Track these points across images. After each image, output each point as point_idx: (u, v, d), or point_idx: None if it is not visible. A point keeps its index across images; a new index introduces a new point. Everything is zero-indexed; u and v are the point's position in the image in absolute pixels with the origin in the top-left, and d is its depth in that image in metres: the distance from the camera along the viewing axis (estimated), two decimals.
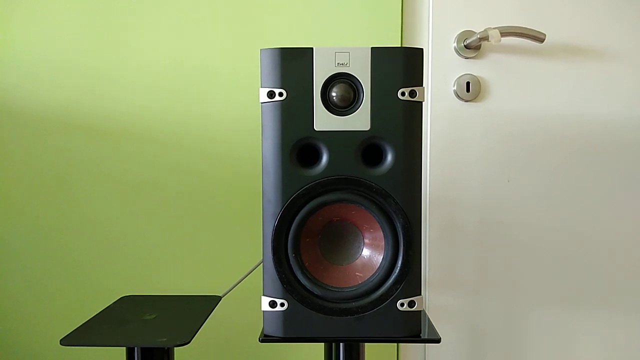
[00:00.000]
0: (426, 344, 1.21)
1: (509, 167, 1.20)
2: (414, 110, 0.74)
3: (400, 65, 0.73)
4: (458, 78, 1.18)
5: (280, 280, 0.75)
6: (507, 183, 1.20)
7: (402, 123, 0.74)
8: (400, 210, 0.74)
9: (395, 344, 1.21)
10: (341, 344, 0.82)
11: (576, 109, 1.20)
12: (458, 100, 1.19)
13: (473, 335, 1.21)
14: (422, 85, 0.74)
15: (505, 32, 1.12)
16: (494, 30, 1.10)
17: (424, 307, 1.15)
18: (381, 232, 0.76)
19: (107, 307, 0.94)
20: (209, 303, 0.95)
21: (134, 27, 1.17)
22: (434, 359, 1.21)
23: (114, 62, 1.17)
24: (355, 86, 0.74)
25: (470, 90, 1.18)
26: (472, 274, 1.21)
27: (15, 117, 1.17)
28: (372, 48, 0.73)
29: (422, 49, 0.75)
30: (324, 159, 0.74)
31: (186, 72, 1.17)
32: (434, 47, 1.18)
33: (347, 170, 0.74)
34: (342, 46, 0.74)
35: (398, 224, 0.74)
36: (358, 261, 0.78)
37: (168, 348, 0.83)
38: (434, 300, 1.20)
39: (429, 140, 1.19)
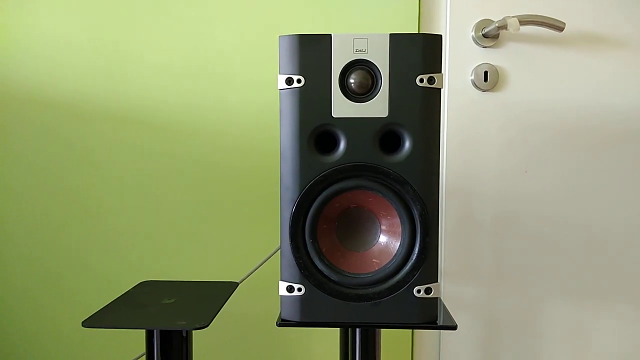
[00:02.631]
0: (441, 332, 1.21)
1: (527, 157, 1.19)
2: (433, 97, 0.74)
3: (419, 52, 0.73)
4: (476, 67, 1.18)
5: (297, 265, 0.75)
6: (524, 174, 1.20)
7: (420, 110, 0.74)
8: (417, 197, 0.74)
9: (410, 330, 1.22)
10: (357, 329, 0.83)
11: (595, 99, 1.19)
12: (475, 89, 1.18)
13: (488, 325, 1.21)
14: (440, 72, 0.74)
15: (524, 21, 1.11)
16: (513, 18, 1.09)
17: (440, 295, 1.16)
18: (398, 219, 0.76)
19: (127, 291, 0.95)
20: (226, 288, 0.96)
21: (151, 14, 1.18)
22: (449, 346, 1.21)
23: (130, 52, 1.18)
24: (374, 73, 0.74)
25: (488, 79, 1.17)
26: (487, 265, 1.20)
27: (33, 106, 1.19)
28: (390, 34, 0.73)
29: (440, 36, 0.75)
30: (342, 145, 0.74)
31: (206, 59, 1.18)
32: (452, 36, 1.18)
33: (364, 157, 0.74)
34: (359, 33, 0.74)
35: (415, 211, 0.75)
36: (375, 248, 0.78)
37: (187, 331, 0.85)
38: (450, 290, 1.21)
39: (446, 130, 1.19)
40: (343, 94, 0.74)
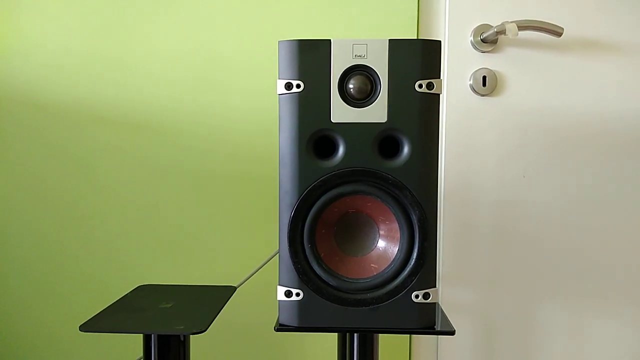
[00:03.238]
0: (439, 337, 1.21)
1: (525, 162, 1.20)
2: (431, 102, 0.74)
3: (418, 58, 0.73)
4: (474, 72, 1.18)
5: (296, 270, 0.75)
6: (522, 178, 1.20)
7: (419, 115, 0.74)
8: (416, 202, 0.74)
9: (408, 335, 1.22)
10: (355, 334, 0.83)
11: (594, 105, 1.19)
12: (474, 94, 1.19)
13: (486, 329, 1.21)
14: (439, 78, 0.74)
15: (523, 26, 1.12)
16: (512, 24, 1.10)
17: (438, 300, 1.16)
18: (396, 224, 0.76)
19: (124, 295, 0.95)
20: (224, 293, 0.96)
21: (152, 18, 1.18)
22: (447, 351, 1.21)
23: (131, 53, 1.18)
24: (373, 78, 0.74)
25: (486, 84, 1.18)
26: (485, 269, 1.20)
27: (29, 111, 1.19)
28: (389, 40, 0.73)
29: (439, 41, 0.75)
30: (341, 150, 0.75)
31: (204, 63, 1.18)
32: (450, 41, 1.18)
33: (363, 162, 0.74)
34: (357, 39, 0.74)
35: (414, 216, 0.75)
36: (373, 253, 0.78)
37: (184, 336, 0.84)
38: (447, 294, 1.20)
39: (444, 135, 1.19)
40: (342, 99, 0.74)
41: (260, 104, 1.18)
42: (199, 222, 1.20)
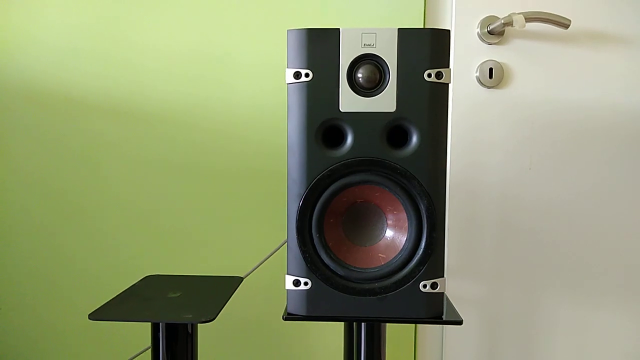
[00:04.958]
0: (444, 327, 1.21)
1: (531, 154, 1.19)
2: (440, 92, 0.74)
3: (427, 47, 0.73)
4: (481, 64, 1.18)
5: (304, 259, 0.75)
6: (528, 171, 1.20)
7: (427, 105, 0.74)
8: (424, 192, 0.74)
9: (413, 325, 1.22)
10: (362, 324, 0.83)
11: (601, 97, 1.19)
12: (480, 86, 1.18)
13: (490, 321, 1.21)
14: (448, 67, 0.74)
15: (530, 18, 1.11)
16: (519, 15, 1.09)
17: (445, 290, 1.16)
18: (405, 214, 0.76)
19: (132, 285, 0.96)
20: (231, 283, 0.96)
21: (157, 11, 1.18)
22: (452, 341, 1.22)
23: (133, 46, 1.18)
24: (382, 67, 0.74)
25: (493, 76, 1.17)
26: (490, 262, 1.20)
27: (29, 105, 1.19)
28: (398, 29, 0.73)
29: (448, 31, 0.75)
30: (349, 140, 0.75)
31: (210, 54, 1.18)
32: (457, 33, 1.18)
33: (371, 152, 0.74)
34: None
35: (422, 206, 0.75)
36: (381, 242, 0.79)
37: (192, 325, 0.85)
38: (452, 287, 1.21)
39: (450, 126, 1.19)
40: (351, 88, 0.74)
41: (268, 93, 1.18)
42: (206, 214, 1.20)
